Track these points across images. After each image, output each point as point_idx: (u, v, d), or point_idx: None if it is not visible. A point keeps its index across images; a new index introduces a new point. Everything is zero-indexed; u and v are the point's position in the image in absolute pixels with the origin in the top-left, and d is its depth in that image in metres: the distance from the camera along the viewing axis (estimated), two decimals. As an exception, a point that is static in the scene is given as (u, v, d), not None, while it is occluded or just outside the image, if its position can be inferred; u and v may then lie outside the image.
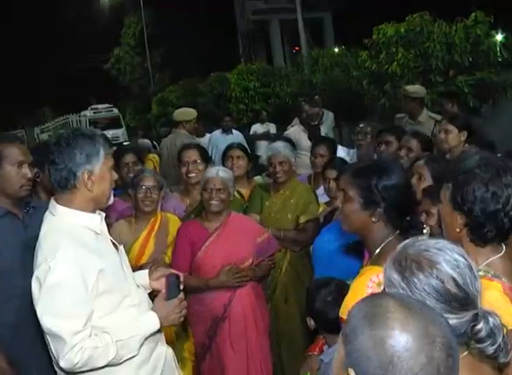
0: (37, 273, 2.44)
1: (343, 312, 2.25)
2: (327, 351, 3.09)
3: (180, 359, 3.90)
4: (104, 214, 2.76)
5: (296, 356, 4.17)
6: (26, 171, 3.18)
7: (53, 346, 2.43)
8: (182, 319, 2.86)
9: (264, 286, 4.37)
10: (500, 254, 2.13)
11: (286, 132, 7.86)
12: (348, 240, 3.41)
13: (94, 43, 40.04)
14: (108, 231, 2.84)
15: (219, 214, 4.07)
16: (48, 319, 2.40)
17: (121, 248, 2.85)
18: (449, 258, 1.62)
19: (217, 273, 3.94)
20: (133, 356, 2.60)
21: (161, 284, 2.86)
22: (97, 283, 2.48)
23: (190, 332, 4.10)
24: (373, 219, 2.41)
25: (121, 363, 2.56)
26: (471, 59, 8.25)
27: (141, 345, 2.61)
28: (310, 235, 4.39)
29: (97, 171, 2.56)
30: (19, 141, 3.32)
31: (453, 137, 4.49)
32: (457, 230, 2.13)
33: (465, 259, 1.64)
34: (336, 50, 17.12)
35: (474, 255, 2.07)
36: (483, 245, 2.13)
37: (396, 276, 1.63)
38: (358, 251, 2.97)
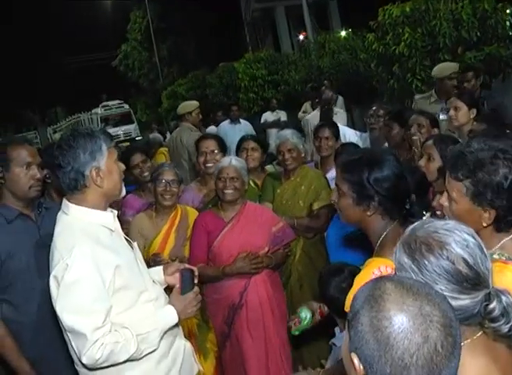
0: (55, 272, 2.46)
1: (348, 306, 2.25)
2: (339, 335, 3.10)
3: (203, 351, 3.95)
4: (116, 212, 2.79)
5: (313, 342, 4.18)
6: (35, 172, 3.21)
7: (74, 343, 2.46)
8: (197, 311, 2.89)
9: (280, 273, 4.38)
10: (510, 236, 2.10)
11: (306, 117, 7.80)
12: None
13: (102, 40, 40.14)
14: (124, 228, 2.87)
15: (235, 203, 4.10)
16: (68, 316, 2.43)
17: (135, 244, 2.87)
18: (458, 238, 1.61)
19: (233, 260, 3.97)
20: (153, 351, 2.62)
21: (175, 279, 2.89)
22: (114, 280, 2.51)
23: (211, 323, 4.14)
24: (368, 213, 2.38)
25: (141, 358, 2.59)
26: (479, 34, 8.14)
27: (160, 339, 2.64)
28: (323, 221, 4.40)
29: (103, 166, 2.60)
30: (28, 143, 3.35)
31: (463, 114, 4.45)
32: (484, 224, 2.07)
33: (474, 239, 1.63)
34: (343, 33, 17.01)
35: (488, 238, 2.06)
36: (503, 230, 2.09)
37: (406, 260, 1.63)
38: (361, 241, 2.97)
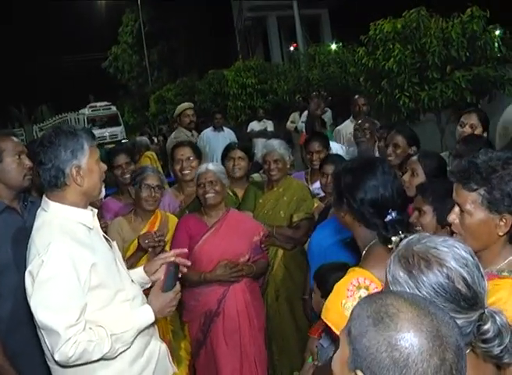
0: (30, 267, 2.45)
1: (326, 315, 2.21)
2: (326, 335, 3.06)
3: (177, 358, 3.91)
4: (96, 210, 2.77)
5: (287, 354, 4.18)
6: (26, 161, 3.23)
7: (47, 340, 2.43)
8: (173, 314, 2.88)
9: (259, 284, 4.36)
10: None
11: (338, 127, 7.68)
12: (343, 236, 3.38)
13: (93, 41, 40.06)
14: (103, 230, 2.84)
15: (218, 208, 4.10)
16: (41, 313, 2.40)
17: (114, 243, 2.86)
18: (457, 256, 1.58)
19: (213, 268, 3.96)
20: (127, 349, 2.60)
21: (161, 274, 2.87)
22: (89, 277, 2.48)
23: (187, 331, 4.12)
24: (341, 214, 2.38)
25: (115, 357, 2.57)
26: (468, 54, 8.21)
27: (135, 339, 2.62)
28: (303, 232, 4.39)
29: (84, 165, 2.58)
30: (13, 133, 3.39)
31: (478, 133, 4.44)
32: (500, 233, 2.03)
33: (473, 258, 1.61)
34: (334, 46, 17.11)
35: (497, 253, 2.07)
36: None
37: (402, 274, 1.58)
38: (354, 247, 2.94)
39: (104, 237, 2.79)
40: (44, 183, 2.60)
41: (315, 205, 4.58)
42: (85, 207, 2.67)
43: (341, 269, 2.85)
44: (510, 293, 1.89)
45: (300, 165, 8.65)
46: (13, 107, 43.72)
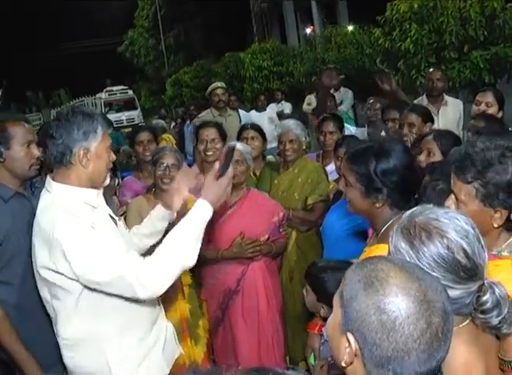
0: (48, 250, 2.45)
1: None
2: None
3: (195, 336, 3.96)
4: (101, 190, 2.76)
5: (301, 334, 4.21)
6: (35, 151, 3.16)
7: (123, 292, 2.42)
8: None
9: (278, 264, 4.39)
10: None
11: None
12: (357, 217, 3.38)
13: (109, 25, 40.07)
14: (122, 209, 2.84)
15: (239, 188, 4.09)
16: (94, 275, 2.39)
17: (120, 222, 2.87)
18: (458, 228, 1.61)
19: (230, 245, 3.97)
20: (134, 328, 2.63)
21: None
22: None
23: (205, 309, 4.16)
24: (376, 205, 2.37)
25: (123, 333, 2.59)
26: (486, 33, 8.13)
27: (143, 319, 2.65)
28: (318, 215, 4.38)
29: (93, 149, 2.57)
30: (26, 120, 3.30)
31: (493, 112, 4.41)
32: (495, 225, 2.02)
33: (474, 230, 1.63)
34: (350, 28, 16.98)
35: (495, 238, 2.07)
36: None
37: (403, 245, 1.62)
38: (366, 231, 2.95)
39: (111, 216, 2.78)
40: (51, 157, 2.61)
41: (331, 186, 4.58)
42: (88, 187, 2.65)
43: (339, 269, 2.60)
44: (510, 273, 1.90)
45: (317, 147, 8.64)
46: (31, 92, 44.01)
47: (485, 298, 1.59)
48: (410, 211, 1.70)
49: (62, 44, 43.90)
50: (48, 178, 2.65)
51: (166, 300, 3.29)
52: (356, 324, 1.33)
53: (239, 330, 3.97)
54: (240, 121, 7.33)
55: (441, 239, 1.58)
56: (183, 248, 2.45)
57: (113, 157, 2.71)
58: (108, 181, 2.74)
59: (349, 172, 2.41)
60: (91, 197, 2.64)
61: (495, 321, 1.60)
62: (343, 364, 1.37)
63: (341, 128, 5.10)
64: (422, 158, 3.49)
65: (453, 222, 1.61)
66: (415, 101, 6.32)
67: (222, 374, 1.07)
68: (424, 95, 6.27)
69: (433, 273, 1.55)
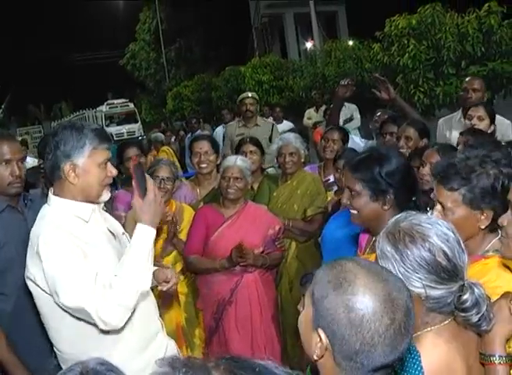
0: (30, 263, 2.50)
1: None
2: None
3: (191, 345, 4.02)
4: (100, 204, 2.76)
5: (300, 345, 4.24)
6: (14, 169, 3.16)
7: (87, 318, 2.43)
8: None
9: (274, 276, 4.44)
10: (499, 236, 2.17)
11: (440, 121, 6.62)
12: (355, 227, 3.44)
13: (110, 39, 40.29)
14: (120, 222, 2.86)
15: (236, 202, 4.18)
16: (63, 298, 2.40)
17: (123, 237, 2.87)
18: (440, 232, 1.73)
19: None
20: (126, 342, 2.60)
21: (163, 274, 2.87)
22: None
23: (201, 318, 4.21)
24: (385, 207, 2.49)
25: (111, 352, 2.49)
26: (483, 49, 8.23)
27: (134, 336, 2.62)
28: (317, 226, 4.44)
29: (81, 164, 2.54)
30: (9, 138, 3.31)
31: (485, 126, 4.48)
32: (482, 227, 2.14)
33: (454, 234, 1.75)
34: (350, 43, 17.12)
35: (480, 241, 2.17)
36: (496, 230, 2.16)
37: (389, 249, 1.75)
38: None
39: (110, 231, 2.77)
40: (47, 172, 2.65)
41: (329, 198, 4.64)
42: (84, 201, 2.64)
43: None
44: (499, 269, 2.02)
45: (316, 161, 8.70)
46: (32, 105, 44.15)
47: (465, 298, 1.70)
48: (395, 217, 1.83)
49: (64, 58, 44.07)
50: (49, 192, 2.67)
51: (161, 308, 3.32)
52: (326, 321, 1.45)
53: (232, 340, 4.01)
54: (272, 134, 7.03)
55: (423, 243, 1.72)
56: (136, 277, 2.46)
57: (112, 172, 2.66)
58: (105, 196, 2.69)
59: (354, 181, 2.53)
60: (84, 211, 2.62)
61: (475, 318, 1.72)
62: (315, 357, 1.50)
63: (345, 140, 5.14)
64: (426, 170, 3.52)
65: (435, 227, 1.74)
66: (447, 117, 5.82)
67: (202, 365, 1.13)
68: (460, 110, 5.50)
69: (417, 274, 1.69)
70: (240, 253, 3.96)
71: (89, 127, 2.60)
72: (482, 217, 2.13)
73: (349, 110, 9.35)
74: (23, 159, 3.30)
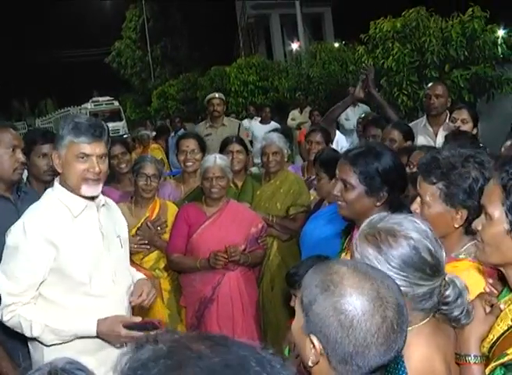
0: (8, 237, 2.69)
1: None
2: None
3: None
4: (97, 202, 2.86)
5: (281, 342, 4.27)
6: (20, 156, 3.26)
7: None
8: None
9: (256, 274, 4.47)
10: (474, 241, 2.22)
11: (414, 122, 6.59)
12: (335, 227, 3.47)
13: (96, 36, 40.08)
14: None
15: (218, 200, 4.21)
16: None
17: (115, 240, 2.94)
18: (419, 229, 1.75)
19: (209, 255, 4.04)
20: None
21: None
22: (52, 258, 2.65)
23: (183, 315, 4.24)
24: (377, 204, 2.51)
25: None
26: (466, 54, 8.30)
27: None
28: (300, 224, 4.47)
29: (63, 155, 2.71)
30: (13, 127, 3.42)
31: (469, 128, 4.55)
32: (456, 225, 2.16)
33: (431, 230, 1.77)
34: (336, 45, 17.19)
35: (455, 242, 2.20)
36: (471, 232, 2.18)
37: (371, 251, 1.73)
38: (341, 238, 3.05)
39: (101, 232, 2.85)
40: None
41: (311, 197, 4.68)
42: (81, 194, 2.75)
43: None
44: (469, 271, 2.05)
45: (300, 161, 8.74)
46: (16, 101, 43.80)
47: (448, 292, 1.74)
48: (367, 220, 1.83)
49: (49, 54, 43.78)
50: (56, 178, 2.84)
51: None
52: (317, 326, 1.42)
53: None
54: (238, 133, 6.96)
55: (407, 241, 1.71)
56: (46, 334, 2.66)
57: (97, 169, 2.71)
58: (86, 190, 2.74)
59: (350, 173, 2.53)
60: (76, 205, 2.76)
61: (456, 311, 1.75)
62: (310, 364, 1.47)
63: (328, 141, 5.16)
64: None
65: (413, 224, 1.76)
66: (412, 123, 5.52)
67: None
68: (425, 116, 5.47)
69: (402, 273, 1.69)
70: (225, 254, 3.99)
71: (75, 120, 2.71)
72: (457, 216, 2.15)
73: (362, 109, 9.39)
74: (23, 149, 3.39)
